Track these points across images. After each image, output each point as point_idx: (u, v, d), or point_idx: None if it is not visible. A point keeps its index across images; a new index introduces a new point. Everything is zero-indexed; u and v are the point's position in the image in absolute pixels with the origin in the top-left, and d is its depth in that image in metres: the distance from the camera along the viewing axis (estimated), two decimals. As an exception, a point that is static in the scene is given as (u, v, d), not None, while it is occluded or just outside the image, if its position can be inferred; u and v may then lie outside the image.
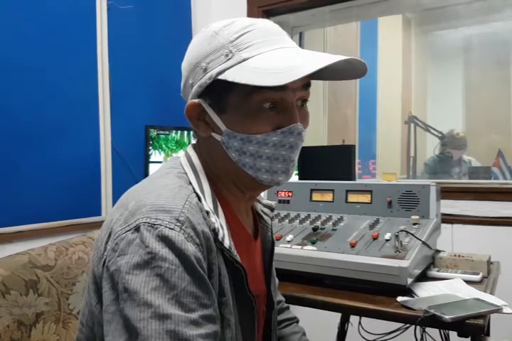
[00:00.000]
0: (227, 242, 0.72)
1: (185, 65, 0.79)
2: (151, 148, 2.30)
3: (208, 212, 0.72)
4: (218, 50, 0.73)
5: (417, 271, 1.22)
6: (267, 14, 2.73)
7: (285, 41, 0.76)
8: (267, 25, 0.76)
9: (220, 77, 0.72)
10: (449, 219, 2.01)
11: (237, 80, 0.70)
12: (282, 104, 0.74)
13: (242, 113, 0.74)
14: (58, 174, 2.03)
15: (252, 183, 0.79)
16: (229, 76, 0.71)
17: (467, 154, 3.54)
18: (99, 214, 2.20)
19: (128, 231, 0.66)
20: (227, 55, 0.72)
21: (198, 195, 0.73)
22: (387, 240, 1.26)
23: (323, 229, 1.40)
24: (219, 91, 0.74)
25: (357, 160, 2.37)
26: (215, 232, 0.70)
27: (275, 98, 0.73)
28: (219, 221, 0.73)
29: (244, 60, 0.72)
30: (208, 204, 0.73)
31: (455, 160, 3.48)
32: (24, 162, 1.91)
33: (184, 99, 0.82)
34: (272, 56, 0.72)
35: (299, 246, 1.31)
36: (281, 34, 0.77)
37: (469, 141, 3.62)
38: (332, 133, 3.37)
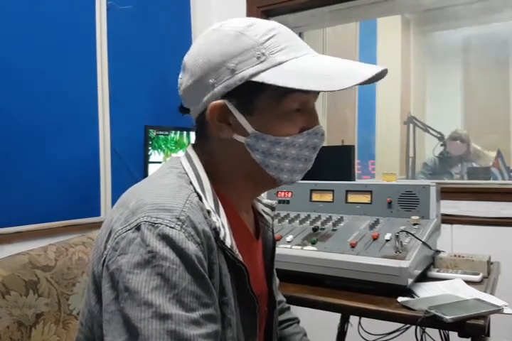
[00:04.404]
0: (228, 241, 0.71)
1: (199, 63, 0.75)
2: (150, 148, 2.30)
3: (208, 211, 0.71)
4: (248, 51, 0.72)
5: (418, 272, 1.22)
6: (267, 14, 2.73)
7: (307, 46, 0.78)
8: (286, 29, 0.77)
9: (255, 79, 0.72)
10: (448, 219, 2.00)
11: (280, 84, 0.70)
12: (306, 106, 0.77)
13: (273, 115, 0.75)
14: (58, 174, 2.03)
15: (271, 183, 0.81)
16: (267, 78, 0.71)
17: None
18: (98, 214, 2.20)
19: (129, 230, 0.65)
20: (259, 58, 0.72)
21: (198, 195, 0.73)
22: (387, 240, 1.26)
23: (323, 229, 1.40)
24: (248, 93, 0.74)
25: (356, 161, 2.37)
26: (216, 231, 0.70)
27: (303, 101, 0.76)
28: (220, 220, 0.72)
29: (279, 63, 0.72)
30: (209, 203, 0.73)
31: (454, 157, 3.46)
32: (24, 162, 1.91)
33: (186, 97, 0.80)
34: (309, 61, 0.74)
35: (299, 247, 1.31)
36: (300, 39, 0.79)
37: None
38: (331, 133, 3.37)
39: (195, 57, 0.77)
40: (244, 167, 0.78)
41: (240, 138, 0.76)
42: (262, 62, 0.72)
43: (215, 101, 0.74)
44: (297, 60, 0.74)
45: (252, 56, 0.72)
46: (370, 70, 0.71)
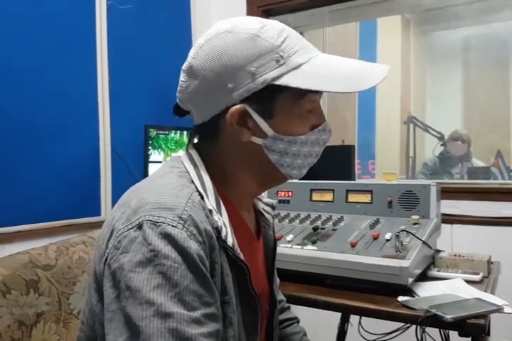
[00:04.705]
0: (230, 240, 0.71)
1: (213, 67, 0.73)
2: (150, 147, 2.30)
3: (210, 211, 0.71)
4: (266, 54, 0.72)
5: (418, 271, 1.22)
6: (267, 14, 2.73)
7: (313, 46, 0.80)
8: (292, 30, 0.78)
9: (278, 82, 0.72)
10: (448, 219, 2.00)
11: (304, 86, 0.72)
12: (315, 105, 0.79)
13: (289, 116, 0.77)
14: (58, 174, 2.03)
15: (280, 179, 0.84)
16: (290, 81, 0.72)
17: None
18: (98, 214, 2.20)
19: (131, 229, 0.66)
20: (278, 61, 0.73)
21: (200, 194, 0.73)
22: (387, 240, 1.26)
23: (323, 229, 1.40)
24: (268, 96, 0.74)
25: (356, 161, 2.37)
26: (218, 230, 0.70)
27: (315, 100, 0.78)
28: (222, 219, 0.72)
29: (299, 65, 0.74)
30: (210, 202, 0.73)
31: (455, 157, 3.45)
32: (24, 162, 1.91)
33: (193, 101, 0.78)
34: (323, 62, 0.76)
35: (300, 246, 1.31)
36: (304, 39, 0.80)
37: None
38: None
39: (206, 60, 0.75)
40: (257, 167, 0.79)
41: (258, 141, 0.77)
42: (281, 65, 0.73)
43: (235, 106, 0.74)
44: (312, 61, 0.75)
45: (271, 59, 0.73)
46: (381, 70, 0.75)
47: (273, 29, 0.75)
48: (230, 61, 0.73)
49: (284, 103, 0.75)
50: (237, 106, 0.74)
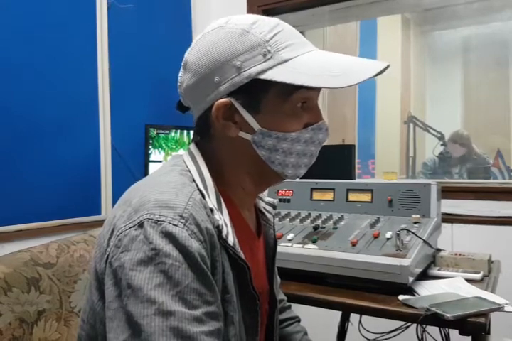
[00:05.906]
0: (231, 239, 0.71)
1: (203, 61, 0.75)
2: (150, 147, 2.30)
3: (211, 209, 0.71)
4: (253, 49, 0.72)
5: (418, 270, 1.22)
6: (267, 13, 2.73)
7: (309, 43, 0.79)
8: (289, 26, 0.78)
9: (262, 76, 0.72)
10: (449, 218, 2.00)
11: (288, 81, 0.70)
12: (310, 102, 0.78)
13: (279, 112, 0.75)
14: (58, 173, 2.03)
15: (275, 178, 0.82)
16: (274, 76, 0.71)
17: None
18: (99, 213, 2.20)
19: (131, 227, 0.65)
20: (265, 55, 0.72)
21: (201, 192, 0.73)
22: (388, 239, 1.26)
23: (323, 228, 1.40)
24: (255, 91, 0.74)
25: (356, 160, 2.37)
26: (218, 229, 0.70)
27: (308, 97, 0.76)
28: (223, 218, 0.72)
29: (286, 60, 0.73)
30: (211, 201, 0.73)
31: (455, 158, 3.46)
32: (24, 161, 1.91)
33: (188, 96, 0.80)
34: (314, 58, 0.75)
35: (300, 245, 1.31)
36: (302, 35, 0.79)
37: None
38: (331, 132, 3.35)
39: (198, 55, 0.76)
40: (249, 163, 0.79)
41: (246, 136, 0.76)
42: (268, 59, 0.72)
43: (220, 100, 0.74)
44: (302, 56, 0.74)
45: (258, 54, 0.72)
46: (373, 67, 0.72)
47: (265, 25, 0.75)
48: (218, 55, 0.74)
49: (273, 98, 0.74)
50: (222, 100, 0.74)
